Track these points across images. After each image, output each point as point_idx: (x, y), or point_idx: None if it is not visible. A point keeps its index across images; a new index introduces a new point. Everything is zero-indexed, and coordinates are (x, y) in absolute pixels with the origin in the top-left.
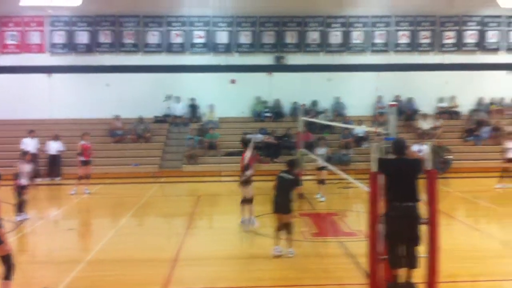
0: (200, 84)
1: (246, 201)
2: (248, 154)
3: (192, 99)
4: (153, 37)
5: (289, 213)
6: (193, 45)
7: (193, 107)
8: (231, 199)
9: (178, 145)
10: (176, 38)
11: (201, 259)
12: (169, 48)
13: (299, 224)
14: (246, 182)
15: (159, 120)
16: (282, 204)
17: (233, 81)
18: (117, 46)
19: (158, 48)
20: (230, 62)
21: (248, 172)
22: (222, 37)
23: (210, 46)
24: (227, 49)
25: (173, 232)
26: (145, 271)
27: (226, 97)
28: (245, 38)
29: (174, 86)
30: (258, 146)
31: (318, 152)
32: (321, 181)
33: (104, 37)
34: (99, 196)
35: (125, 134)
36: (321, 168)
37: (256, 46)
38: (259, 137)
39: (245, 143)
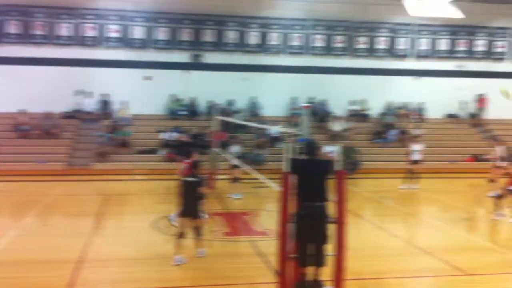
0: (113, 80)
1: None
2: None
3: (105, 95)
4: (64, 29)
5: (198, 217)
6: (107, 39)
7: (105, 103)
8: (142, 199)
9: (88, 142)
10: (89, 31)
11: (108, 260)
12: (82, 41)
13: (211, 224)
14: None
15: (68, 115)
16: (189, 208)
17: (148, 78)
18: (26, 38)
19: (70, 41)
20: (146, 58)
21: None
22: (138, 32)
23: (125, 41)
24: (143, 45)
25: (79, 232)
26: (49, 273)
27: (140, 94)
28: (162, 34)
29: (86, 81)
30: (172, 144)
31: (232, 151)
32: (235, 179)
33: (13, 28)
34: (2, 194)
35: (31, 129)
36: (235, 167)
37: (173, 43)
38: (174, 135)
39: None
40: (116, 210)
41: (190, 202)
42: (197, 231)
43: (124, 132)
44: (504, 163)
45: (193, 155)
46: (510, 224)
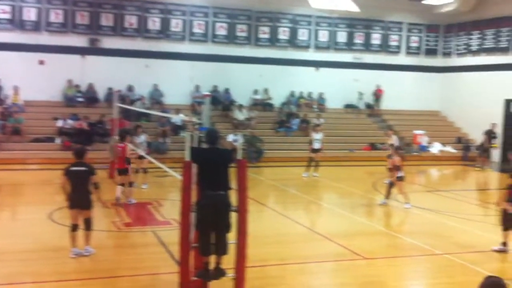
0: (3, 64)
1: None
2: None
3: None
4: None
5: (89, 208)
6: None
7: None
8: (37, 189)
9: None
10: None
11: (2, 253)
12: None
13: (110, 215)
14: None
15: None
16: (79, 199)
17: (41, 62)
18: None
19: None
20: (39, 41)
21: None
22: (30, 14)
23: (16, 23)
24: (36, 27)
25: None
26: None
27: (33, 79)
28: (56, 16)
29: None
30: (69, 132)
31: (138, 141)
32: (142, 170)
33: None
34: None
35: None
36: (142, 157)
37: (68, 26)
38: (70, 123)
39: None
40: (9, 201)
41: (79, 193)
42: (88, 224)
43: (16, 119)
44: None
45: (126, 138)
46: (403, 209)
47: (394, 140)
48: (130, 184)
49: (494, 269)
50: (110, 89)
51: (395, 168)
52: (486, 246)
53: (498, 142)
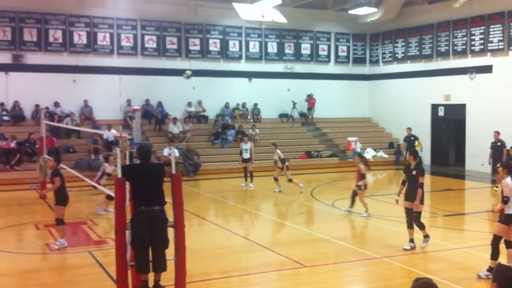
0: None
1: None
2: None
3: None
4: None
5: None
6: None
7: None
8: None
9: None
10: None
11: None
12: None
13: (44, 236)
14: None
15: None
16: None
17: None
18: None
19: None
20: None
21: None
22: None
23: None
24: None
25: None
26: None
27: None
28: None
29: None
30: None
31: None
32: None
33: None
34: None
35: None
36: None
37: None
38: None
39: None
40: None
41: None
42: None
43: None
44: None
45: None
46: (341, 215)
47: (278, 154)
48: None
49: (429, 269)
50: (37, 106)
51: (360, 176)
52: (421, 248)
53: (421, 142)
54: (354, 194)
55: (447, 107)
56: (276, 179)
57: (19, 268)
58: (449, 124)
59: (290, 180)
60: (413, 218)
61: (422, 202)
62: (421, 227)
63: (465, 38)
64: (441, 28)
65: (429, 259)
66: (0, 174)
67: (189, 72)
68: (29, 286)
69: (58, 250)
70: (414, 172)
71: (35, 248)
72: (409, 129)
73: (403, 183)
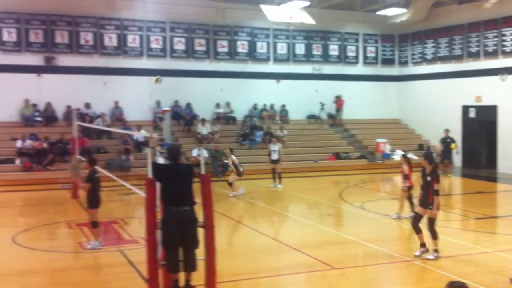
0: None
1: None
2: None
3: None
4: None
5: None
6: None
7: None
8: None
9: None
10: None
11: None
12: None
13: (76, 235)
14: None
15: None
16: None
17: None
18: None
19: None
20: None
21: None
22: None
23: None
24: None
25: None
26: None
27: None
28: (9, 35)
29: None
30: (27, 152)
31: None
32: None
33: None
34: None
35: None
36: None
37: (22, 45)
38: (29, 142)
39: None
40: None
41: None
42: None
43: None
44: None
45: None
46: (370, 217)
47: (233, 159)
48: None
49: (461, 273)
50: (68, 107)
51: (404, 177)
52: (452, 251)
53: (458, 145)
54: (409, 197)
55: (478, 109)
56: (230, 184)
57: (52, 267)
58: (481, 126)
59: (230, 184)
60: (427, 226)
61: (438, 208)
62: (434, 236)
63: (496, 39)
64: (472, 28)
65: (460, 262)
66: (33, 174)
67: (159, 81)
68: (61, 284)
69: (90, 250)
70: (429, 178)
71: (67, 246)
72: (447, 130)
73: (422, 188)
